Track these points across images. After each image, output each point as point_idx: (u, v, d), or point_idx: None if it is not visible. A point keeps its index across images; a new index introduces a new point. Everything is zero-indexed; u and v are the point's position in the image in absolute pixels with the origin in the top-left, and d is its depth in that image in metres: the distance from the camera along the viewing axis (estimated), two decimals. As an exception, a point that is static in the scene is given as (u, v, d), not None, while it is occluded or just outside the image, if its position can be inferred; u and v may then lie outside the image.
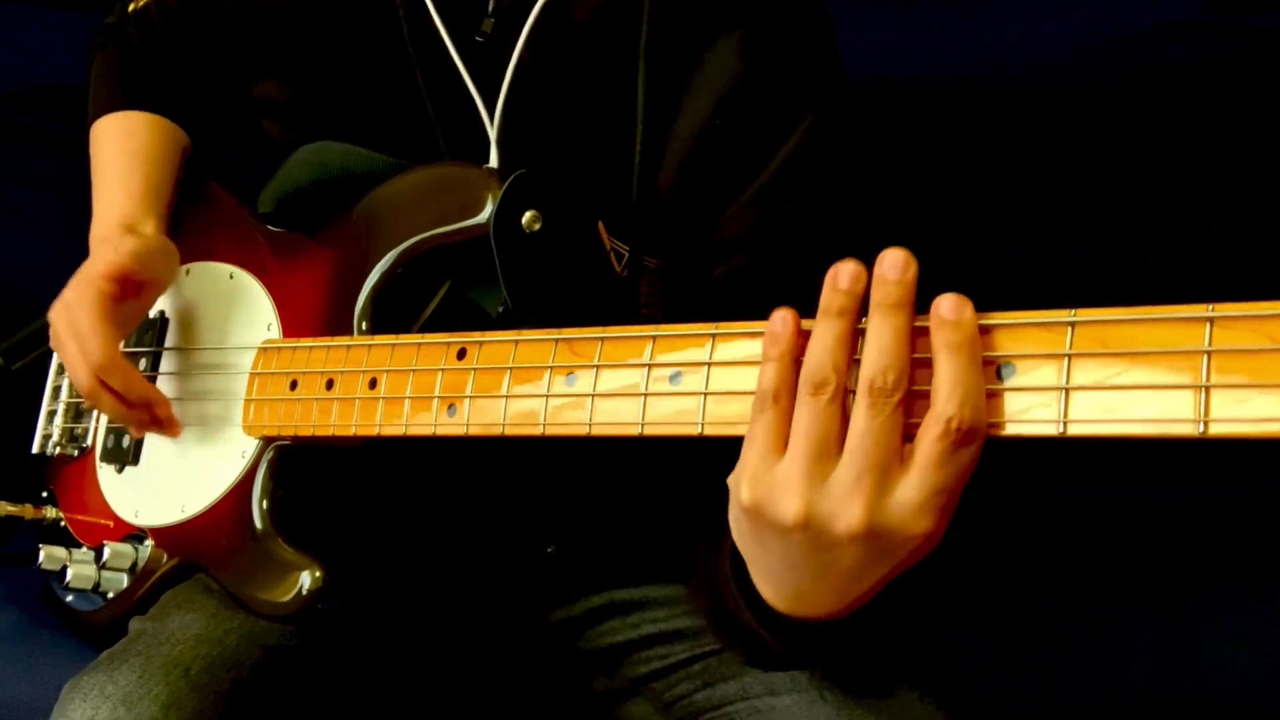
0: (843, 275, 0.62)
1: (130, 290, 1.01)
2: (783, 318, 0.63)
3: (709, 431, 0.69)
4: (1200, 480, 1.39)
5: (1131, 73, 1.46)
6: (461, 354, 0.83)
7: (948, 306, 0.59)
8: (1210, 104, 1.45)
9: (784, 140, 0.97)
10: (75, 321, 0.99)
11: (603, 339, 0.74)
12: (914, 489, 0.59)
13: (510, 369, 0.79)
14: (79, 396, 1.09)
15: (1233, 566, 1.43)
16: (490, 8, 0.98)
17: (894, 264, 0.60)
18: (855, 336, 0.62)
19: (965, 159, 1.51)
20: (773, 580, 0.68)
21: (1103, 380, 0.56)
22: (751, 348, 0.68)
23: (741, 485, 0.63)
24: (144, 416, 1.01)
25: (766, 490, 0.62)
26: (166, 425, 1.02)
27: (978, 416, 0.58)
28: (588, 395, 0.74)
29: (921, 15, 1.51)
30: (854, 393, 0.61)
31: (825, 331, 0.62)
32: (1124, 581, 1.42)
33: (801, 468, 0.61)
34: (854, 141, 1.00)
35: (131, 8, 1.17)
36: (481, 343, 0.82)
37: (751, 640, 0.74)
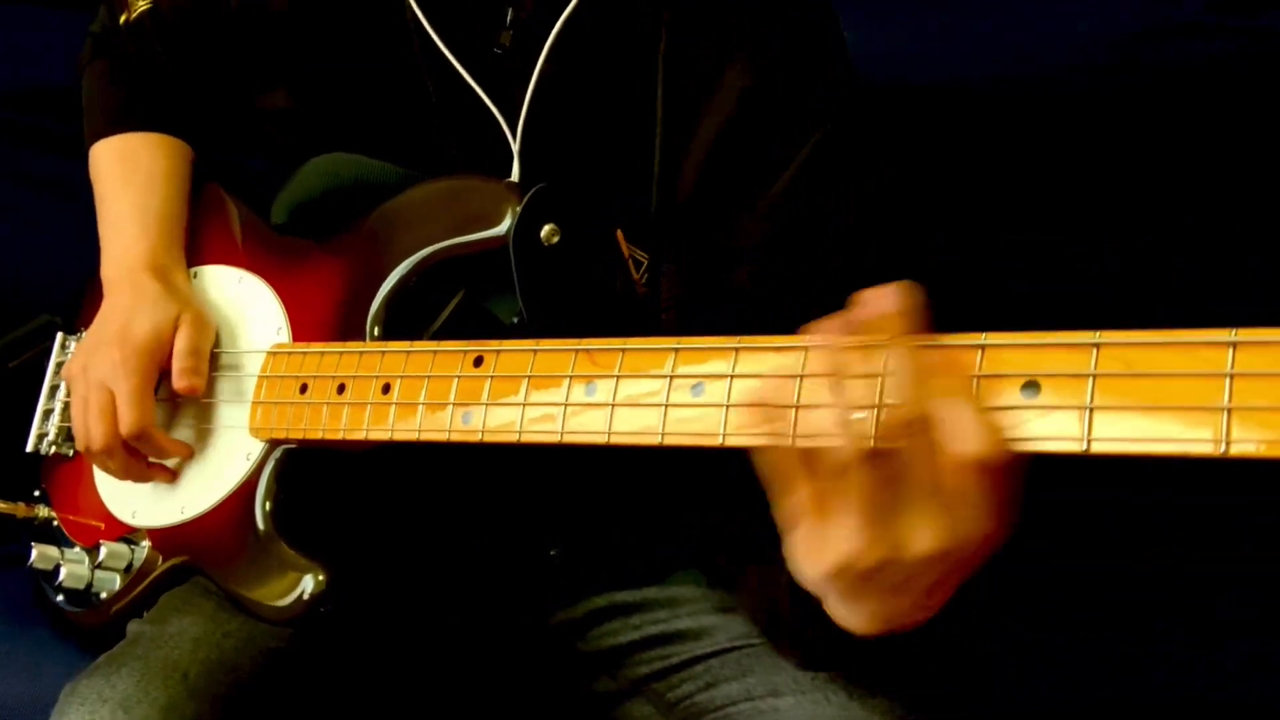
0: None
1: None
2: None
3: (730, 443, 0.69)
4: (1214, 486, 1.41)
5: (1134, 73, 1.46)
6: (478, 361, 0.83)
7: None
8: (1211, 104, 1.45)
9: (798, 149, 0.97)
10: (110, 381, 1.00)
11: (624, 350, 0.74)
12: (966, 508, 0.60)
13: (528, 377, 0.79)
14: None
15: (1245, 571, 1.43)
16: (508, 19, 0.98)
17: (891, 298, 0.60)
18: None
19: (969, 161, 1.51)
20: (858, 617, 0.67)
21: (1126, 400, 0.57)
22: (776, 360, 0.68)
23: (806, 566, 0.63)
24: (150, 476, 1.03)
25: (836, 558, 0.61)
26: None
27: (991, 440, 0.58)
28: (607, 405, 0.74)
29: (921, 18, 1.51)
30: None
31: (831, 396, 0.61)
32: (1132, 585, 1.43)
33: (867, 521, 0.60)
34: (865, 149, 1.01)
35: (123, 19, 1.15)
36: (499, 351, 0.82)
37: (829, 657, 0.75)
